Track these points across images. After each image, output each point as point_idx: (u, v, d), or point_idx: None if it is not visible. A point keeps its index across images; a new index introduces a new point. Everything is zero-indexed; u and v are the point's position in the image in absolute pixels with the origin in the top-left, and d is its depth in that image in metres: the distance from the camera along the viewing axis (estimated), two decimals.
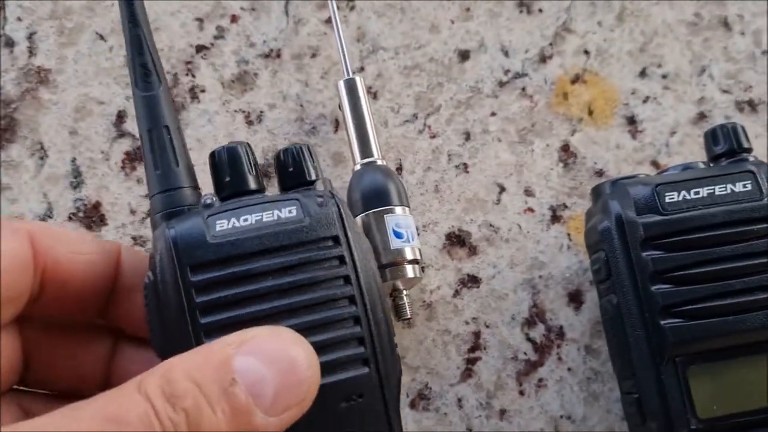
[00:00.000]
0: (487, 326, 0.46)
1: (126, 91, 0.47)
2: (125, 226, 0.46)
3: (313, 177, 0.38)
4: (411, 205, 0.48)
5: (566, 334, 0.46)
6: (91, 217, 0.46)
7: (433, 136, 0.49)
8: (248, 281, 0.35)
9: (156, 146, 0.37)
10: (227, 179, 0.37)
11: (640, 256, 0.40)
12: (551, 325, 0.47)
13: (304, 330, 0.34)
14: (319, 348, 0.34)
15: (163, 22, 0.49)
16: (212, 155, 0.37)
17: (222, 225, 0.35)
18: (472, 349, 0.46)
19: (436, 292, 0.47)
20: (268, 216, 0.35)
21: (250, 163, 0.37)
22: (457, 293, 0.47)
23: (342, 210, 0.36)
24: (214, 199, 0.36)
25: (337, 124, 0.48)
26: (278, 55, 0.49)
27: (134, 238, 0.46)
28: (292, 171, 0.38)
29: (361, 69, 0.49)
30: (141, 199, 0.46)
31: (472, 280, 0.47)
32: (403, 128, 0.49)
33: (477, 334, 0.46)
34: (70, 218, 0.46)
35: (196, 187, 0.37)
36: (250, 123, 0.48)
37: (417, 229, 0.47)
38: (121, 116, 0.47)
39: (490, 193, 0.48)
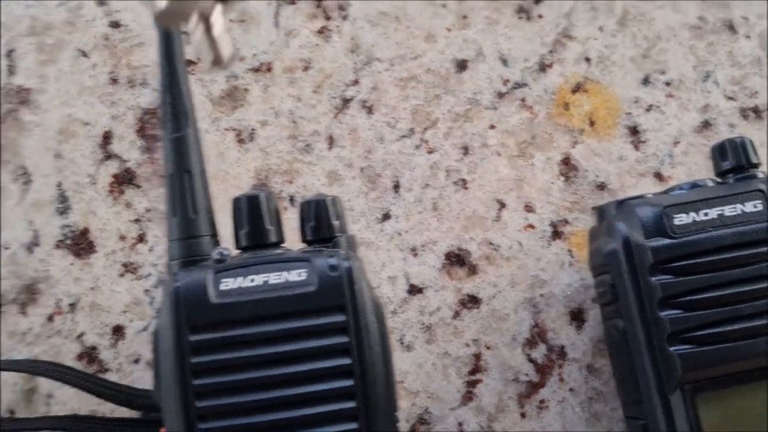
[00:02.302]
0: (488, 348, 0.45)
1: (111, 110, 0.46)
2: (115, 253, 0.44)
3: (335, 233, 0.37)
4: (408, 223, 0.46)
5: (568, 354, 0.45)
6: (80, 244, 0.44)
7: (431, 152, 0.47)
8: (245, 347, 0.34)
9: (176, 192, 0.37)
10: (245, 230, 0.36)
11: (648, 280, 0.39)
12: (553, 345, 0.46)
13: (297, 401, 0.34)
14: (310, 421, 0.34)
15: (147, 37, 0.47)
16: (234, 202, 0.37)
17: (227, 284, 0.34)
18: (473, 372, 0.45)
19: (435, 314, 0.45)
20: (276, 278, 0.35)
21: (271, 215, 0.36)
22: (457, 314, 0.45)
23: (354, 275, 0.35)
24: (226, 252, 0.35)
25: (331, 141, 0.47)
26: (269, 69, 0.47)
27: (125, 265, 0.44)
28: (313, 225, 0.37)
29: (356, 82, 0.47)
30: (130, 224, 0.45)
31: (472, 301, 0.46)
32: (400, 144, 0.47)
33: (477, 356, 0.45)
34: (57, 246, 0.44)
35: (214, 235, 0.37)
36: (241, 141, 0.46)
37: (415, 248, 0.46)
38: (107, 137, 0.45)
39: (489, 210, 0.47)
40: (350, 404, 0.34)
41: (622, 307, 0.40)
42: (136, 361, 0.43)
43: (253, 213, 0.37)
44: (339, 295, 0.35)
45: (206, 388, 0.34)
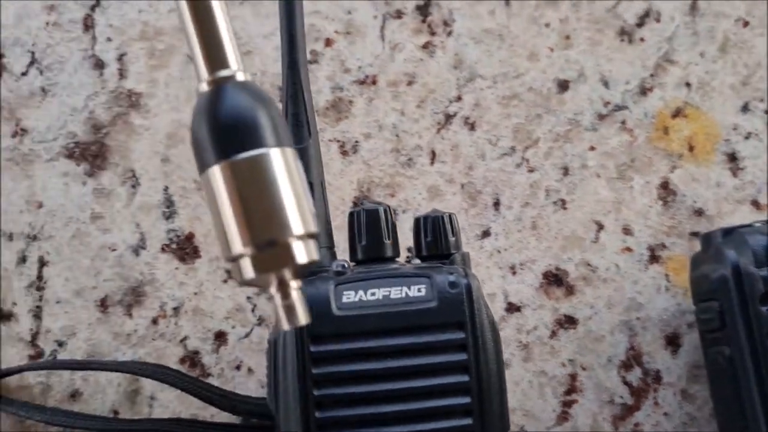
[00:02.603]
0: (584, 368, 0.45)
1: None
2: (218, 259, 0.45)
3: (451, 250, 0.37)
4: (508, 241, 0.46)
5: (663, 378, 0.46)
6: (185, 249, 0.45)
7: (531, 170, 0.47)
8: (366, 359, 0.35)
9: None
10: (363, 243, 0.36)
11: (758, 309, 0.39)
12: (648, 369, 0.46)
13: (415, 416, 0.34)
14: None
15: (255, 45, 0.47)
16: (351, 216, 0.37)
17: (349, 296, 0.35)
18: (569, 392, 0.45)
19: (532, 333, 0.45)
20: (396, 292, 0.35)
21: (388, 229, 0.37)
22: (553, 334, 0.46)
23: (473, 293, 0.35)
24: (347, 266, 0.35)
25: (433, 156, 0.47)
26: (374, 82, 0.48)
27: (228, 272, 0.45)
28: (429, 240, 0.37)
29: (459, 98, 0.48)
30: None
31: (569, 321, 0.46)
32: (501, 161, 0.47)
33: (573, 377, 0.45)
34: (163, 249, 0.45)
35: (331, 247, 0.37)
36: (345, 153, 0.47)
37: (513, 267, 0.46)
38: None
39: (588, 231, 0.47)
40: (467, 421, 0.35)
41: (730, 334, 0.40)
42: (238, 368, 0.44)
43: (372, 227, 0.37)
44: (459, 312, 0.35)
45: (326, 399, 0.34)
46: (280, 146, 0.28)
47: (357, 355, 0.35)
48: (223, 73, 0.28)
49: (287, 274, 0.27)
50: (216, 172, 0.27)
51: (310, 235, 0.27)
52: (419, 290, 0.36)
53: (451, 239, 0.38)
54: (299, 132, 0.38)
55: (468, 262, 0.39)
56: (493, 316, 0.36)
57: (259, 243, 0.27)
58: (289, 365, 0.35)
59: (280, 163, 0.27)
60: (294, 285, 0.28)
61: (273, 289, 0.28)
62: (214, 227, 0.27)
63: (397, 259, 0.38)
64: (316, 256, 0.28)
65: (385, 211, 0.38)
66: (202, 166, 0.27)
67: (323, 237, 0.38)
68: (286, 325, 0.28)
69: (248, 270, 0.27)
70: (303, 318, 0.28)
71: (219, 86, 0.28)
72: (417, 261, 0.39)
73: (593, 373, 0.45)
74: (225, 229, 0.27)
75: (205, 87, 0.28)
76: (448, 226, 0.38)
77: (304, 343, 0.35)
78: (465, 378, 0.35)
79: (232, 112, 0.27)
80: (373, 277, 0.36)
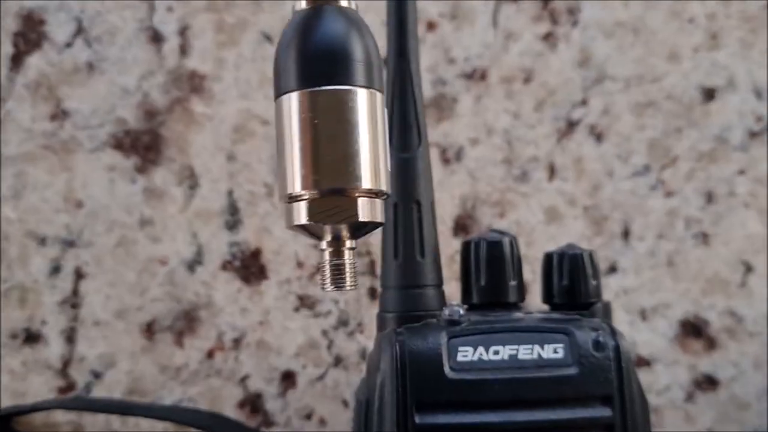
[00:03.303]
0: None
1: None
2: (290, 282, 0.37)
3: (591, 298, 0.29)
4: (638, 280, 0.38)
5: None
6: (249, 267, 0.37)
7: (669, 195, 0.39)
8: None
9: (400, 227, 0.29)
10: (482, 284, 0.29)
11: None
12: None
13: None
14: None
15: None
16: (466, 246, 0.29)
17: (466, 354, 0.28)
18: None
19: (664, 394, 0.38)
20: (526, 352, 0.28)
21: (514, 267, 0.29)
22: (689, 397, 0.38)
23: (623, 357, 0.27)
24: (462, 312, 0.28)
25: (552, 171, 0.39)
26: (483, 77, 0.39)
27: (300, 298, 0.37)
28: (566, 285, 0.30)
29: (584, 102, 0.40)
30: (310, 250, 0.37)
31: (709, 382, 0.38)
32: (632, 182, 0.39)
33: None
34: (223, 267, 0.37)
35: (440, 285, 0.29)
36: (446, 161, 0.39)
37: (644, 311, 0.38)
38: None
39: (734, 273, 0.39)
40: None
41: None
42: (308, 417, 0.36)
43: (494, 264, 0.30)
44: (605, 383, 0.28)
45: None
46: (370, 88, 0.25)
47: (474, 431, 0.27)
48: None
49: (344, 230, 0.25)
50: (293, 99, 0.24)
51: (379, 194, 0.25)
52: (555, 351, 0.28)
53: (592, 284, 0.30)
54: (405, 137, 0.30)
55: (610, 315, 0.31)
56: (642, 387, 0.28)
57: (322, 188, 0.24)
58: None
59: (365, 106, 0.25)
60: (348, 244, 0.25)
61: (324, 244, 0.25)
62: (276, 160, 0.25)
63: (522, 305, 0.30)
64: (380, 219, 0.25)
65: (510, 243, 0.30)
66: (279, 90, 0.25)
67: (432, 273, 0.30)
68: (329, 287, 0.25)
69: (302, 214, 0.25)
70: (350, 283, 0.25)
71: (318, 7, 0.25)
72: (545, 307, 0.31)
73: None
74: (287, 164, 0.24)
75: (303, 5, 0.25)
76: (589, 269, 0.30)
77: (408, 411, 0.27)
78: None
79: (326, 38, 0.25)
80: (496, 330, 0.28)
